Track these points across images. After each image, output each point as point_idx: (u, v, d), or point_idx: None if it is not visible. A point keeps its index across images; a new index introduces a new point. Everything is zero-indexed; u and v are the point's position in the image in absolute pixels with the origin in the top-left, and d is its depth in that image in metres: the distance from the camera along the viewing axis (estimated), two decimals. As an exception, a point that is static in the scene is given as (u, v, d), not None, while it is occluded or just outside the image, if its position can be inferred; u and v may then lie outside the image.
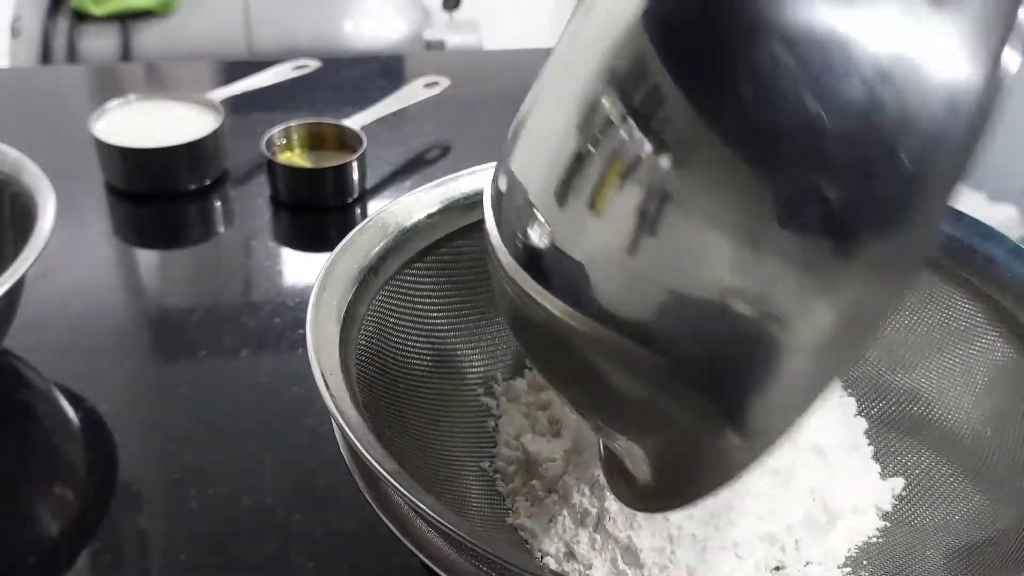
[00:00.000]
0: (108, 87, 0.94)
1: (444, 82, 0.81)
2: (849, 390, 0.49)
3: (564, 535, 0.41)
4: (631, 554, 0.39)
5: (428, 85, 0.81)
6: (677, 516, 0.40)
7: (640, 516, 0.40)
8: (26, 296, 0.52)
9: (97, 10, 1.35)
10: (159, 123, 0.73)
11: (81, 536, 0.46)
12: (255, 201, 0.73)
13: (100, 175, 0.73)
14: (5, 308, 0.51)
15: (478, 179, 0.49)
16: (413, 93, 0.80)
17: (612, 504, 0.40)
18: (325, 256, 0.43)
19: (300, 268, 0.67)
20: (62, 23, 1.36)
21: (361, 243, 0.44)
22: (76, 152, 0.74)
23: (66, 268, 0.64)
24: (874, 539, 0.43)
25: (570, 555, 0.41)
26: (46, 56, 1.35)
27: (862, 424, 0.47)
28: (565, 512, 0.42)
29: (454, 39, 1.53)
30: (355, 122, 0.75)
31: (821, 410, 0.46)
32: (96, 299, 0.63)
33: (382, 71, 0.96)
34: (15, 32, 1.35)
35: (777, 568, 0.40)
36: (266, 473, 0.50)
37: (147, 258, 0.69)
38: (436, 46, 1.53)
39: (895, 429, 0.47)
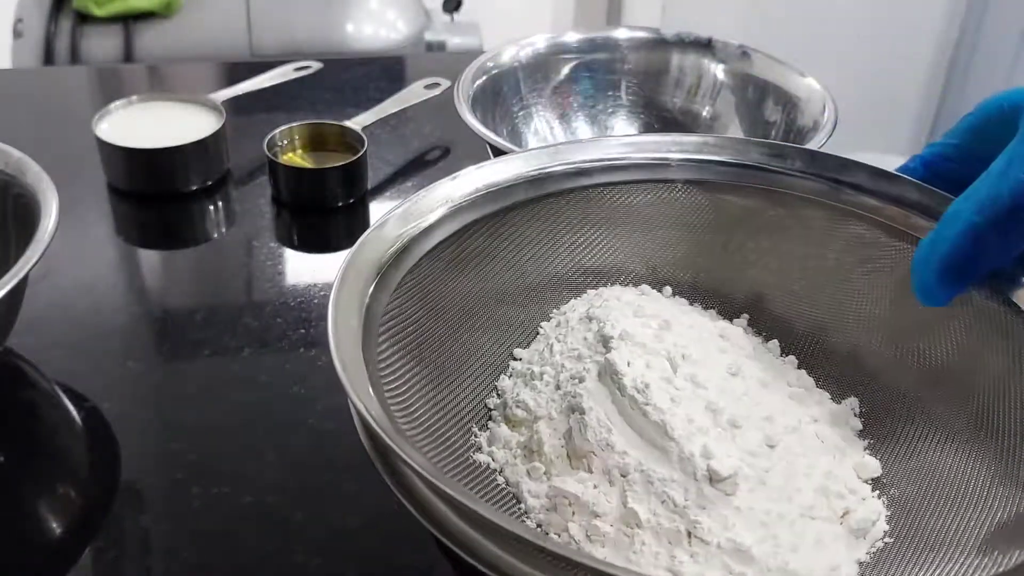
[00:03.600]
0: (110, 88, 0.94)
1: (445, 83, 0.81)
2: (849, 390, 0.49)
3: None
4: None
5: (429, 86, 0.81)
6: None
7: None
8: (29, 296, 0.53)
9: (99, 11, 1.35)
10: (161, 124, 0.74)
11: (84, 535, 0.47)
12: (257, 201, 0.73)
13: (103, 176, 0.73)
14: (8, 308, 0.51)
15: (478, 179, 0.48)
16: (414, 94, 0.80)
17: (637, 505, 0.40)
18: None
19: (302, 268, 0.67)
20: (64, 24, 1.37)
21: (380, 238, 0.44)
22: (79, 153, 0.74)
23: (69, 268, 0.64)
24: (874, 539, 0.43)
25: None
26: (48, 57, 1.35)
27: (861, 425, 0.47)
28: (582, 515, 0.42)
29: (455, 41, 1.54)
30: (356, 123, 0.75)
31: (820, 410, 0.47)
32: (99, 299, 0.63)
33: (383, 72, 0.96)
34: (18, 33, 1.36)
35: (778, 568, 0.41)
36: (268, 472, 0.50)
37: (149, 258, 0.69)
38: (437, 47, 1.53)
39: (895, 428, 0.47)
